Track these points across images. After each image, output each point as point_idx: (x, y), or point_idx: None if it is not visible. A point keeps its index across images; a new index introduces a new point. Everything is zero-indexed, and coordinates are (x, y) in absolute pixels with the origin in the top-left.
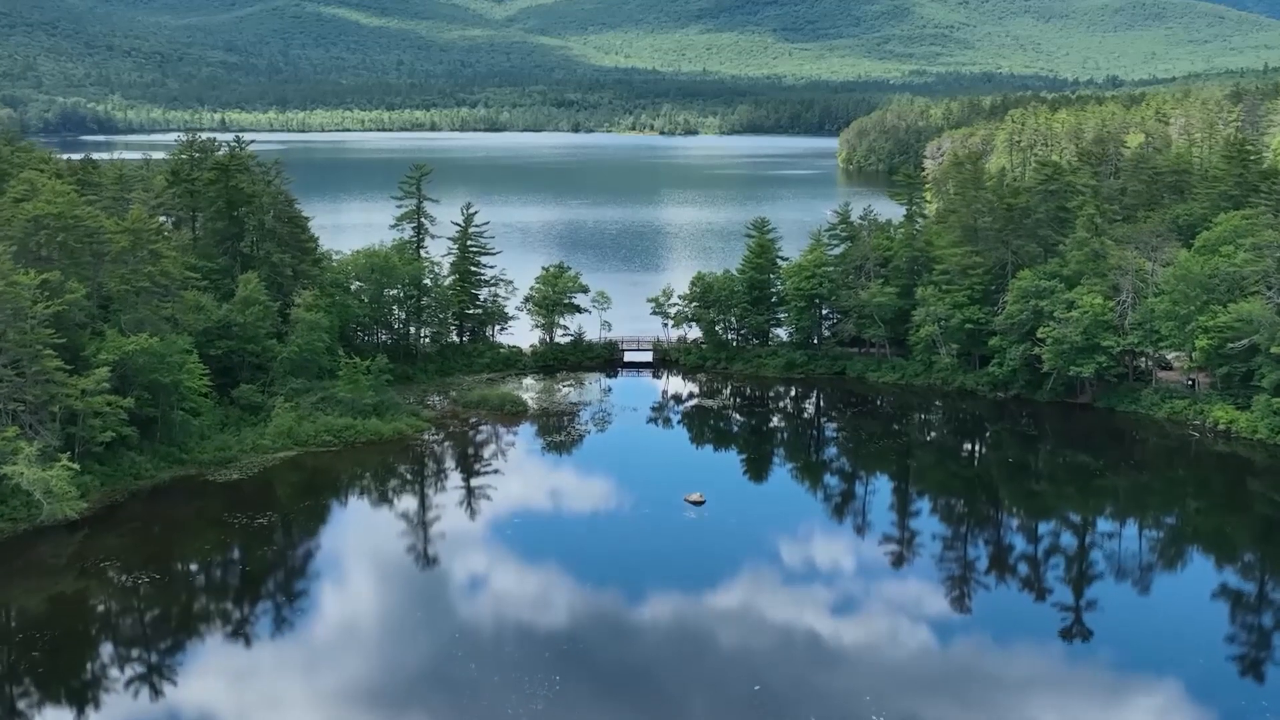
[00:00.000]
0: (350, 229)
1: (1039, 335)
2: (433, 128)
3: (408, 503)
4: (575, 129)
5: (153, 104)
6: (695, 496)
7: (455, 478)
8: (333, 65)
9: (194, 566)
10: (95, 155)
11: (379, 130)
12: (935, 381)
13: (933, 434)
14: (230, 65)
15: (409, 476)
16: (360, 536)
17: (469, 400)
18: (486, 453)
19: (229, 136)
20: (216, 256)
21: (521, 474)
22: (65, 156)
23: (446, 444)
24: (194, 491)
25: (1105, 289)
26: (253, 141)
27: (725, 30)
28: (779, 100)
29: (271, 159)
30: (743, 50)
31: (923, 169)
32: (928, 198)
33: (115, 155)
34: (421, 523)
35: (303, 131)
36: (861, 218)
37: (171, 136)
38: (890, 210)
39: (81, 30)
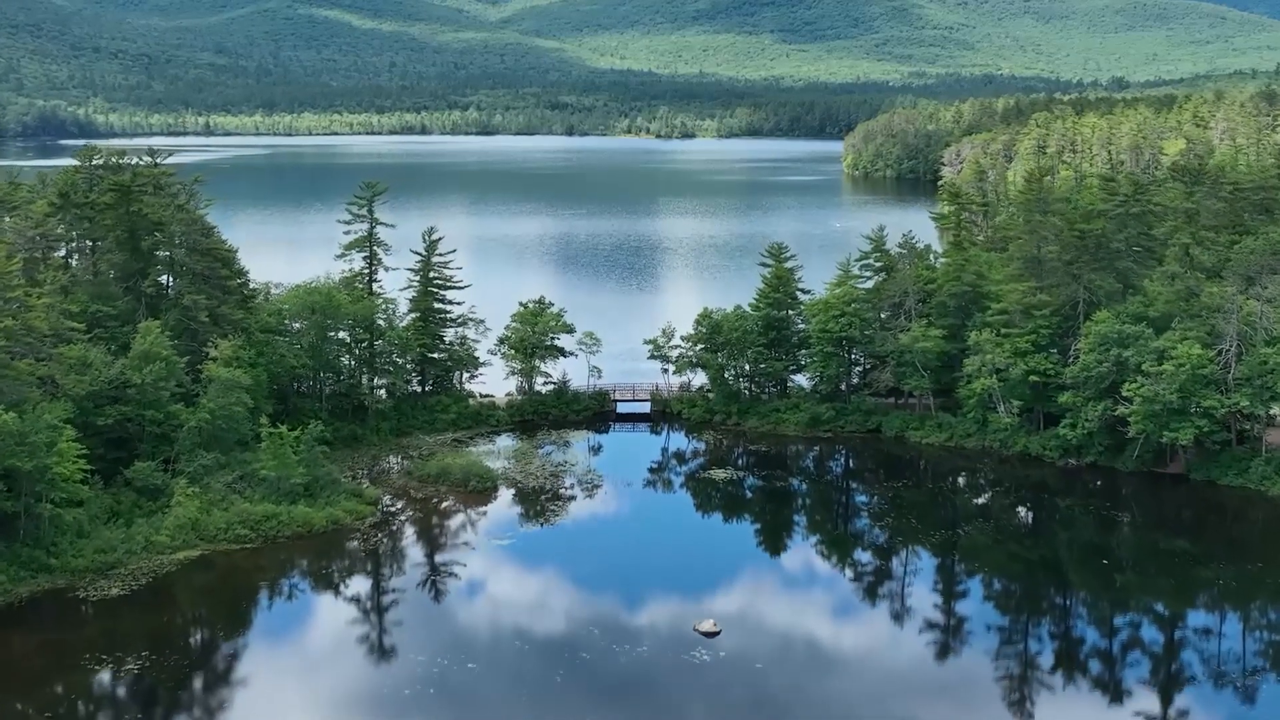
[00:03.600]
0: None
1: (1124, 393)
2: (423, 131)
3: (331, 631)
4: (569, 132)
5: (136, 107)
6: (708, 625)
7: (397, 590)
8: (324, 67)
9: None
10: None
11: (368, 134)
12: (991, 444)
13: (989, 508)
14: (219, 67)
15: (338, 589)
16: (268, 696)
17: (426, 472)
18: (442, 550)
19: (200, 140)
20: (118, 298)
21: (483, 584)
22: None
23: (393, 536)
24: (58, 613)
25: (1202, 335)
26: (205, 147)
27: (723, 32)
28: (778, 102)
29: (191, 176)
30: (740, 52)
31: (939, 177)
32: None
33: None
34: (352, 659)
35: (290, 135)
36: (900, 245)
37: (154, 140)
38: (908, 224)
39: (67, 32)
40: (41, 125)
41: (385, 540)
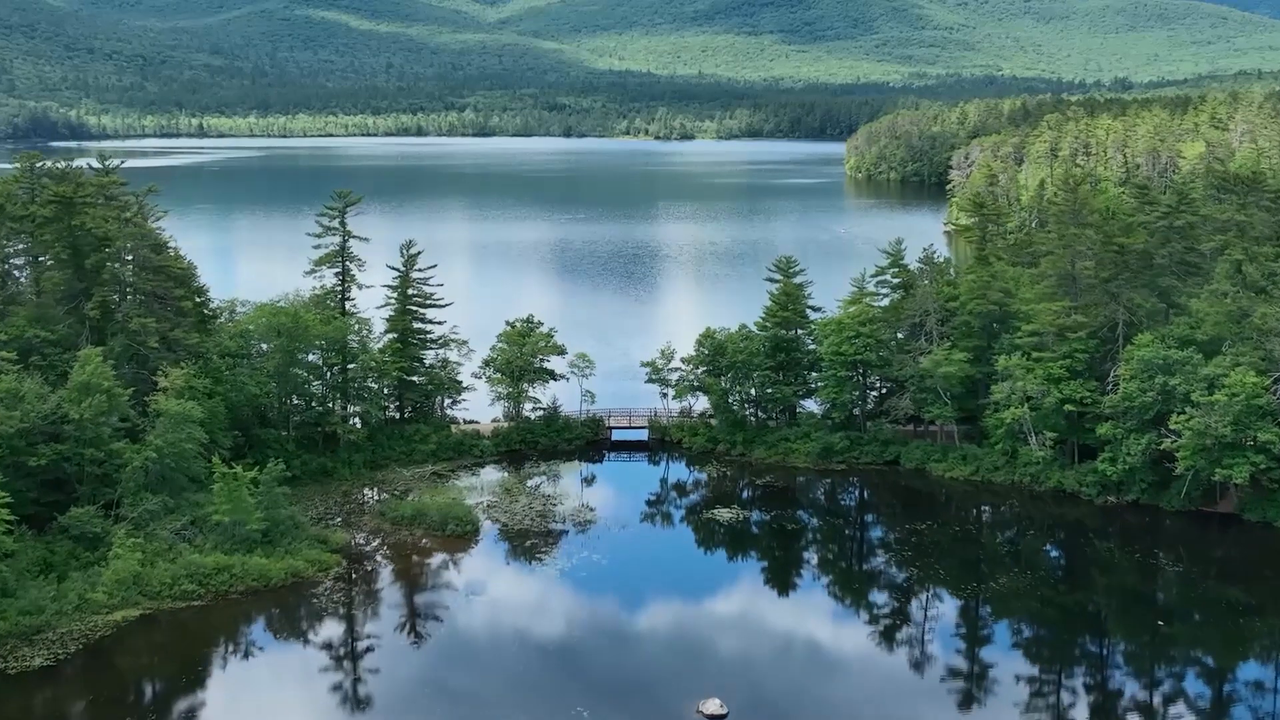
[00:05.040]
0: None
1: (1171, 426)
2: (420, 132)
3: (287, 703)
4: (567, 133)
5: (129, 108)
6: (713, 707)
7: (359, 656)
8: (320, 68)
9: None
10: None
11: (364, 135)
12: (1022, 479)
13: (1019, 550)
14: (214, 69)
15: (294, 654)
16: None
17: (400, 514)
18: (411, 607)
19: (193, 142)
20: (59, 321)
21: (457, 647)
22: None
23: (358, 591)
24: None
25: (1255, 360)
26: (185, 149)
27: (722, 32)
28: (778, 104)
29: (144, 186)
30: (740, 52)
31: (946, 180)
32: (955, 214)
33: None
34: None
35: (285, 136)
36: (920, 260)
37: (147, 142)
38: (913, 229)
39: (61, 33)
40: (33, 127)
41: (349, 596)
